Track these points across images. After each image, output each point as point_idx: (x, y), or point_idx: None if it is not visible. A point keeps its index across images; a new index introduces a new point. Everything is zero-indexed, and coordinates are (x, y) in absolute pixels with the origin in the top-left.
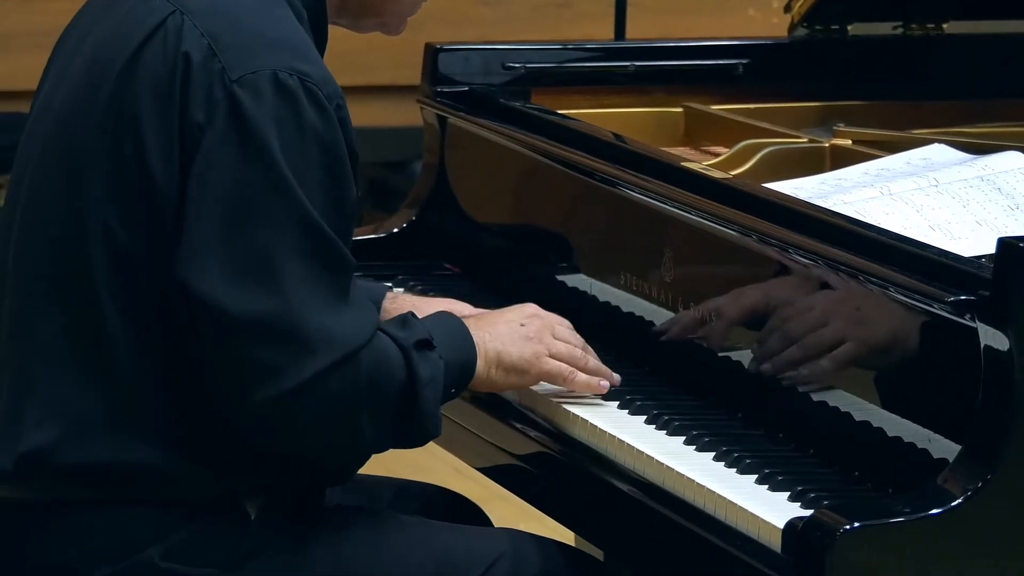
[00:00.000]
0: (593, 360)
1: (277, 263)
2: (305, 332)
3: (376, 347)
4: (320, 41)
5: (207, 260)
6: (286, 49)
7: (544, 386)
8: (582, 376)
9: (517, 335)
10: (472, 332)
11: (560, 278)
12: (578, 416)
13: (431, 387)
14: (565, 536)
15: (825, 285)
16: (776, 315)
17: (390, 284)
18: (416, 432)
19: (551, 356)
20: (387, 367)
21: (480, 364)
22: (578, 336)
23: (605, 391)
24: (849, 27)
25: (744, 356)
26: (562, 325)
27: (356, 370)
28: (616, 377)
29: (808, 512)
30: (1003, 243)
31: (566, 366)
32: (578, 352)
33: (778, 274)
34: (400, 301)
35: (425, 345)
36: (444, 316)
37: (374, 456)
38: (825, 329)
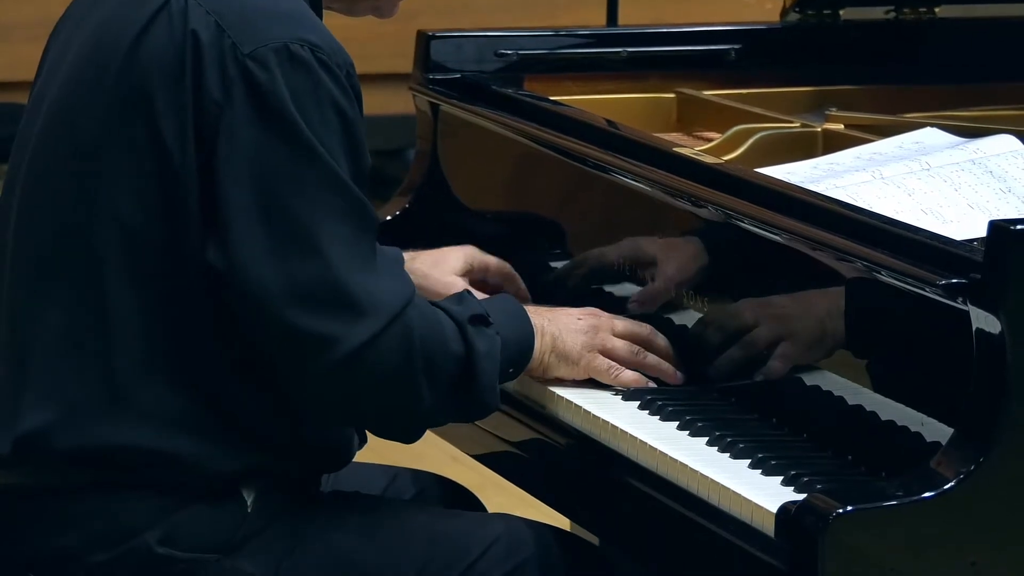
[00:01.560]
0: (651, 357)
1: (315, 230)
2: (353, 296)
3: (421, 305)
4: None
5: (248, 240)
6: (293, 21)
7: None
8: (626, 375)
9: (573, 326)
10: (531, 316)
11: (553, 264)
12: (572, 402)
13: (489, 360)
14: (560, 524)
15: (817, 269)
16: (767, 300)
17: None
18: (476, 406)
19: (605, 351)
20: (441, 335)
21: (537, 346)
22: (643, 326)
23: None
24: (841, 12)
25: (736, 340)
26: (622, 321)
27: (407, 327)
28: (679, 375)
29: (801, 496)
30: (994, 226)
31: (614, 366)
32: (634, 349)
33: (770, 258)
34: (419, 261)
35: (480, 320)
36: (503, 298)
37: (369, 445)
38: (813, 313)
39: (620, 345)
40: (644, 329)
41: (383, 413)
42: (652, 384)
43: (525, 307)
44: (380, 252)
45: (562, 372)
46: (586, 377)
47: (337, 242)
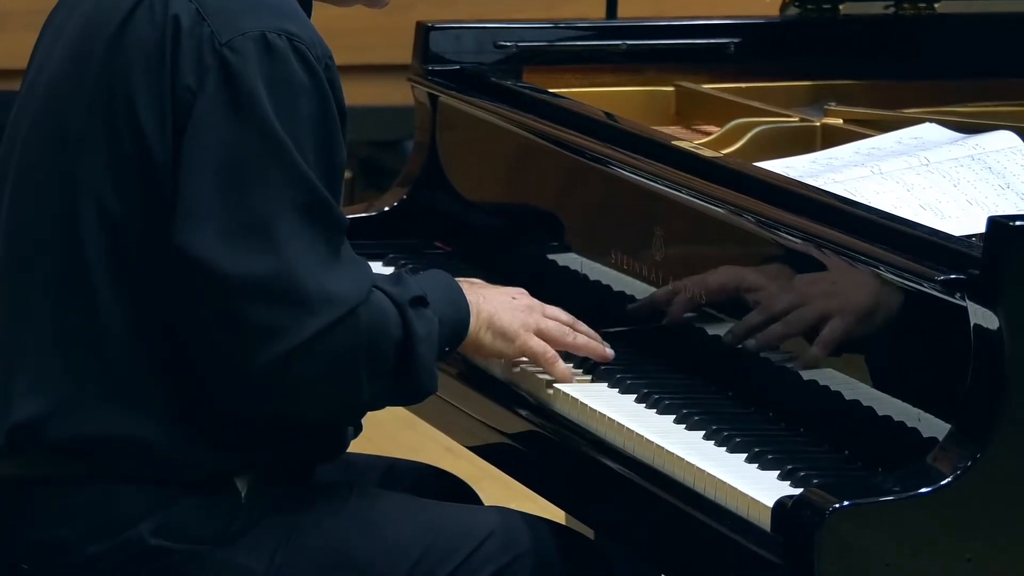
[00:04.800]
0: (581, 337)
1: (273, 223)
2: (304, 291)
3: (373, 304)
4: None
5: (203, 223)
6: (273, 11)
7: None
8: (561, 365)
9: (509, 304)
10: (466, 293)
11: (551, 257)
12: (568, 395)
13: (427, 343)
14: (556, 516)
15: (815, 264)
16: (765, 295)
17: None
18: (413, 388)
19: (539, 332)
20: (384, 324)
21: (472, 323)
22: (568, 315)
23: (573, 382)
24: (840, 6)
25: (734, 334)
26: (550, 306)
27: (355, 328)
28: (609, 352)
29: (798, 491)
30: (993, 222)
31: (550, 349)
32: (566, 330)
33: (768, 253)
34: None
35: (420, 302)
36: (438, 274)
37: (364, 435)
38: (812, 309)
39: (552, 326)
40: (567, 315)
41: (322, 405)
42: (576, 378)
43: (460, 282)
44: (346, 251)
45: (497, 348)
46: (519, 356)
47: (295, 238)
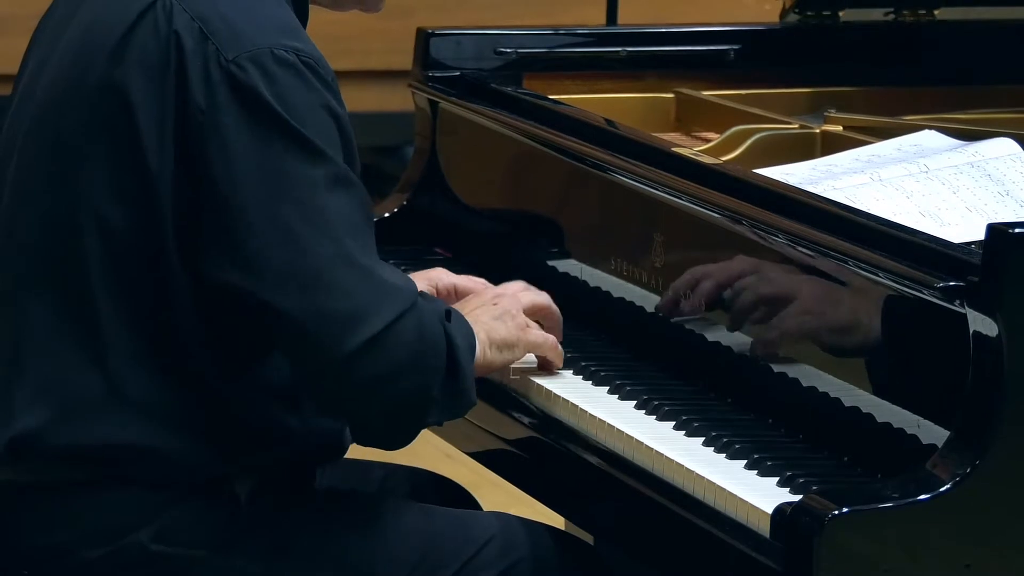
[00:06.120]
0: (555, 324)
1: (329, 219)
2: (375, 278)
3: (425, 300)
4: (301, 22)
5: (262, 237)
6: (277, 29)
7: (528, 359)
8: (559, 348)
9: (495, 314)
10: None
11: (551, 263)
12: (568, 401)
13: (466, 353)
14: (555, 522)
15: (814, 271)
16: (763, 300)
17: None
18: (462, 398)
19: (529, 325)
20: (436, 329)
21: (477, 347)
22: (540, 294)
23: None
24: (840, 13)
25: (733, 340)
26: (526, 291)
27: (421, 319)
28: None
29: (797, 497)
30: (992, 229)
31: (549, 336)
32: (555, 318)
33: (767, 259)
34: None
35: (449, 316)
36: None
37: None
38: (810, 314)
39: (533, 322)
40: (543, 297)
41: (397, 399)
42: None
43: None
44: None
45: (505, 359)
46: (525, 354)
47: (349, 231)
